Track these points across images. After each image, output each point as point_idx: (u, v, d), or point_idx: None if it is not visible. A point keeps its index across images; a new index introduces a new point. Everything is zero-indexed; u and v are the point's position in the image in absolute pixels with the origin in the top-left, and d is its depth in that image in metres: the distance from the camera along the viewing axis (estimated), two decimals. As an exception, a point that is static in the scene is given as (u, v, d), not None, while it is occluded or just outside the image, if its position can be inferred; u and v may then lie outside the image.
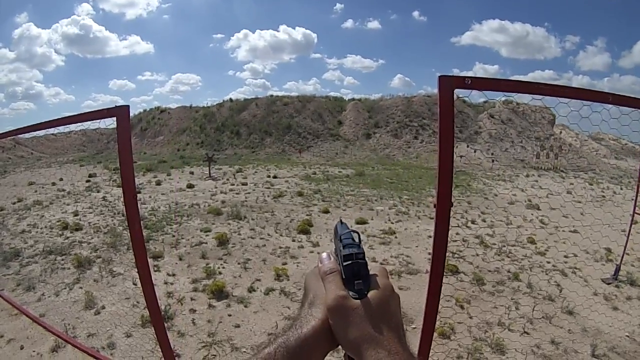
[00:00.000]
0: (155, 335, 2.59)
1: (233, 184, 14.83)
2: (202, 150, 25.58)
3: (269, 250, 7.26)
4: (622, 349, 4.20)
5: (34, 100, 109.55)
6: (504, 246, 7.56)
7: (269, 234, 8.28)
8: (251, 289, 5.61)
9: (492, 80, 1.78)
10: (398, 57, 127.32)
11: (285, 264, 6.62)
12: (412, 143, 25.93)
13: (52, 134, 36.71)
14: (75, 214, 10.17)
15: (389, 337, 0.51)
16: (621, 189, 15.45)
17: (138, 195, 5.14)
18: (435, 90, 1.73)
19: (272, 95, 32.72)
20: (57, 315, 4.84)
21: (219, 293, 5.40)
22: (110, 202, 11.62)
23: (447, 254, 1.82)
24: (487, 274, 6.22)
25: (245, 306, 5.13)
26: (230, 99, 33.20)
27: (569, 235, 8.46)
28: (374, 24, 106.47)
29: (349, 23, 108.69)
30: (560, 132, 26.08)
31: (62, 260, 6.78)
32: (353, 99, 31.85)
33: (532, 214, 10.37)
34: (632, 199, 6.43)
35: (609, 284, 5.91)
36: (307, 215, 9.82)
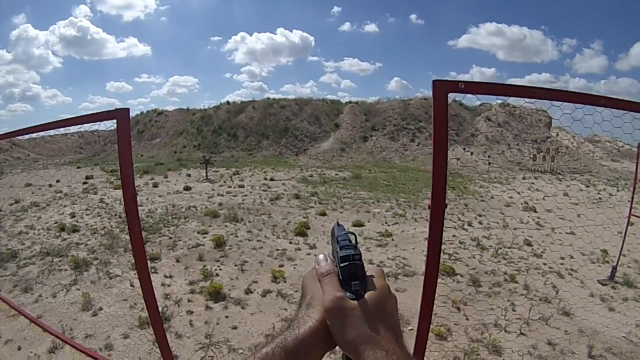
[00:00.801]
0: (154, 336, 2.60)
1: (230, 187, 14.83)
2: (199, 153, 25.50)
3: (266, 253, 7.27)
4: (618, 349, 4.23)
5: (31, 101, 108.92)
6: (501, 248, 7.59)
7: (266, 236, 8.29)
8: (248, 291, 5.62)
9: (485, 84, 1.81)
10: (395, 60, 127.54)
11: (282, 266, 6.63)
12: (409, 146, 25.98)
13: (50, 136, 36.43)
14: (73, 215, 10.16)
15: (386, 337, 0.51)
16: (617, 190, 15.54)
17: (136, 197, 5.15)
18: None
19: (269, 98, 32.68)
20: (54, 317, 4.84)
21: (216, 295, 5.41)
22: (108, 204, 11.61)
23: (443, 255, 1.85)
24: (484, 275, 6.26)
25: (243, 308, 5.15)
26: (228, 102, 33.18)
27: (565, 237, 8.51)
28: (371, 27, 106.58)
29: (346, 26, 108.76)
30: (557, 135, 26.18)
31: (60, 261, 6.77)
32: (350, 102, 31.77)
33: (528, 216, 10.42)
34: (628, 201, 6.49)
35: (605, 285, 5.96)
36: (304, 217, 9.84)
